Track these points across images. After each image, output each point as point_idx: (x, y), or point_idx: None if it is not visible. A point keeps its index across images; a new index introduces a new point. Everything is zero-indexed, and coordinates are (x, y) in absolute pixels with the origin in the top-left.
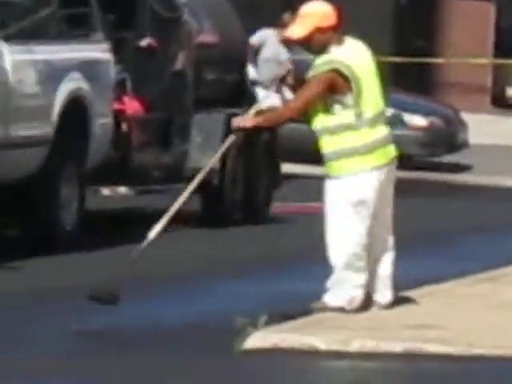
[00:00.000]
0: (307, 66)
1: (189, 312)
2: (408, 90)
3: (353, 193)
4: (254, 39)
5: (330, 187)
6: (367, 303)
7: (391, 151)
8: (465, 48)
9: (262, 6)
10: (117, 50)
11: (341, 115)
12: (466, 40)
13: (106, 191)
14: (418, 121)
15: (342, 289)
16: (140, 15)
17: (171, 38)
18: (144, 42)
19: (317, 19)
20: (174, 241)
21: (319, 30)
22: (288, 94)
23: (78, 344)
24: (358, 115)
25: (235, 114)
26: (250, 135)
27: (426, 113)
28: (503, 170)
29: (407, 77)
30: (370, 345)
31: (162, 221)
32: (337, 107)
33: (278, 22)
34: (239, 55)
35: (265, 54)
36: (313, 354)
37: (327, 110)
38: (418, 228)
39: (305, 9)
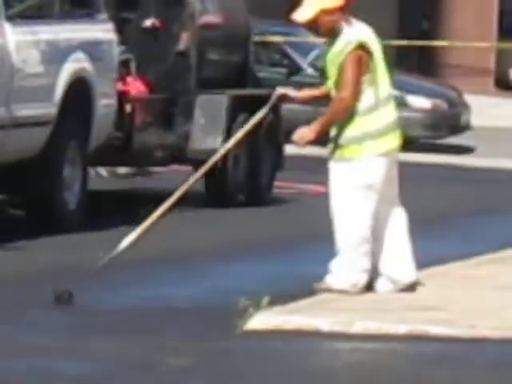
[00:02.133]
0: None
1: (191, 293)
2: (411, 72)
3: (363, 176)
4: None
5: (338, 170)
6: (369, 288)
7: (399, 134)
8: (468, 30)
9: None
10: (121, 30)
11: (365, 95)
12: (469, 22)
13: (104, 173)
14: (421, 103)
15: (347, 272)
16: None
17: (175, 18)
18: (148, 23)
19: (322, 1)
20: (177, 222)
21: (325, 12)
22: None
23: (78, 323)
24: (376, 94)
25: (238, 95)
26: (253, 115)
27: (429, 95)
28: (506, 153)
29: (410, 59)
30: (372, 326)
31: (147, 221)
32: (363, 87)
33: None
34: (243, 36)
35: None
36: (316, 335)
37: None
38: (419, 210)
39: None
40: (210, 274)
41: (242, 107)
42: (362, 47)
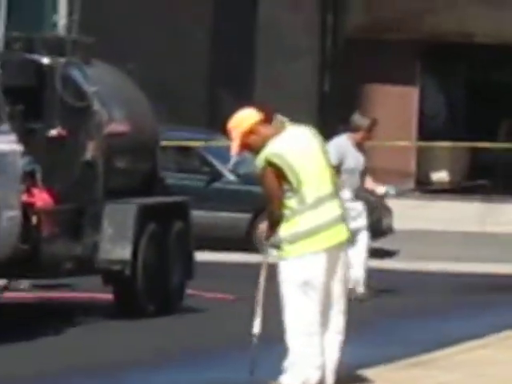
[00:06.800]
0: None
1: None
2: None
3: (299, 273)
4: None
5: (280, 268)
6: None
7: (341, 232)
8: (388, 133)
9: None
10: (26, 140)
11: (289, 201)
12: (389, 125)
13: (24, 284)
14: None
15: (298, 369)
16: (49, 105)
17: (81, 127)
18: (53, 132)
19: (239, 127)
20: (88, 334)
21: (249, 133)
22: None
23: None
24: (301, 200)
25: (147, 204)
26: (162, 224)
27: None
28: (428, 255)
29: None
30: None
31: (257, 314)
32: (286, 194)
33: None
34: (150, 143)
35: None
36: None
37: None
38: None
39: (228, 125)
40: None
41: (151, 216)
42: (271, 164)
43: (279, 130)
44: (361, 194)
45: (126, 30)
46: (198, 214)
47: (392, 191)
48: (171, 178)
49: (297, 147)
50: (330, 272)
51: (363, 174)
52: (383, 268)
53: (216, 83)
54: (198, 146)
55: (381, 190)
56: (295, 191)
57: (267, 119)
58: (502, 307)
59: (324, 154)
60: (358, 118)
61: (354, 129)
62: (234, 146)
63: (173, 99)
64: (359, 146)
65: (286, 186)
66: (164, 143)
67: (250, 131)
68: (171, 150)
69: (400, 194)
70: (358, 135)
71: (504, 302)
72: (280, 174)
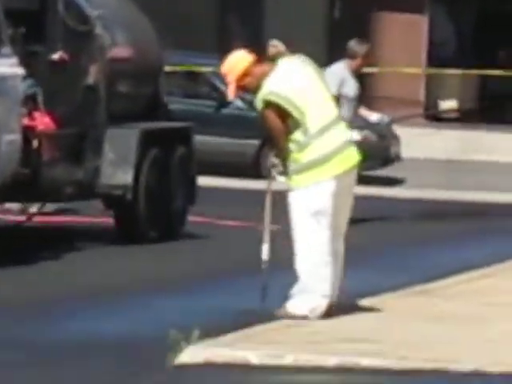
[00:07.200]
0: None
1: (120, 327)
2: None
3: (311, 203)
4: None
5: (292, 199)
6: (329, 313)
7: (350, 157)
8: (397, 61)
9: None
10: (28, 63)
11: (294, 134)
12: (398, 53)
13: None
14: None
15: (306, 297)
16: (51, 28)
17: (83, 51)
18: (55, 56)
19: (233, 71)
20: (90, 259)
21: (244, 75)
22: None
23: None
24: (305, 132)
25: (149, 129)
26: (165, 149)
27: (358, 127)
28: (435, 184)
29: None
30: (303, 358)
31: (265, 240)
32: (291, 127)
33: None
34: (154, 69)
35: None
36: (246, 368)
37: (288, 130)
38: (351, 240)
39: (222, 69)
40: (137, 309)
41: (153, 141)
42: (270, 103)
43: (272, 66)
44: (365, 122)
45: None
46: (205, 140)
47: (385, 119)
48: (179, 104)
49: (293, 80)
50: (340, 198)
51: (358, 101)
52: (389, 196)
53: (225, 8)
54: (206, 71)
55: (374, 117)
56: (299, 124)
57: (260, 59)
58: (505, 235)
59: (322, 79)
60: (354, 45)
61: (350, 55)
62: (231, 90)
63: (181, 24)
64: (355, 73)
65: (289, 121)
66: (171, 68)
67: (245, 73)
68: (179, 75)
69: (394, 123)
70: (355, 62)
71: (507, 231)
72: (281, 111)
